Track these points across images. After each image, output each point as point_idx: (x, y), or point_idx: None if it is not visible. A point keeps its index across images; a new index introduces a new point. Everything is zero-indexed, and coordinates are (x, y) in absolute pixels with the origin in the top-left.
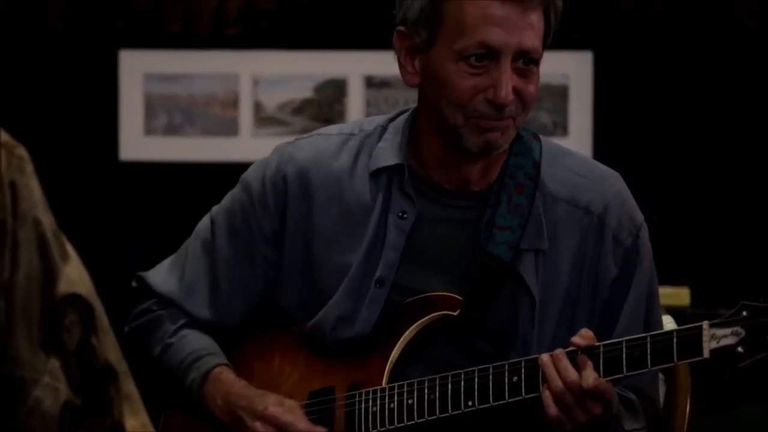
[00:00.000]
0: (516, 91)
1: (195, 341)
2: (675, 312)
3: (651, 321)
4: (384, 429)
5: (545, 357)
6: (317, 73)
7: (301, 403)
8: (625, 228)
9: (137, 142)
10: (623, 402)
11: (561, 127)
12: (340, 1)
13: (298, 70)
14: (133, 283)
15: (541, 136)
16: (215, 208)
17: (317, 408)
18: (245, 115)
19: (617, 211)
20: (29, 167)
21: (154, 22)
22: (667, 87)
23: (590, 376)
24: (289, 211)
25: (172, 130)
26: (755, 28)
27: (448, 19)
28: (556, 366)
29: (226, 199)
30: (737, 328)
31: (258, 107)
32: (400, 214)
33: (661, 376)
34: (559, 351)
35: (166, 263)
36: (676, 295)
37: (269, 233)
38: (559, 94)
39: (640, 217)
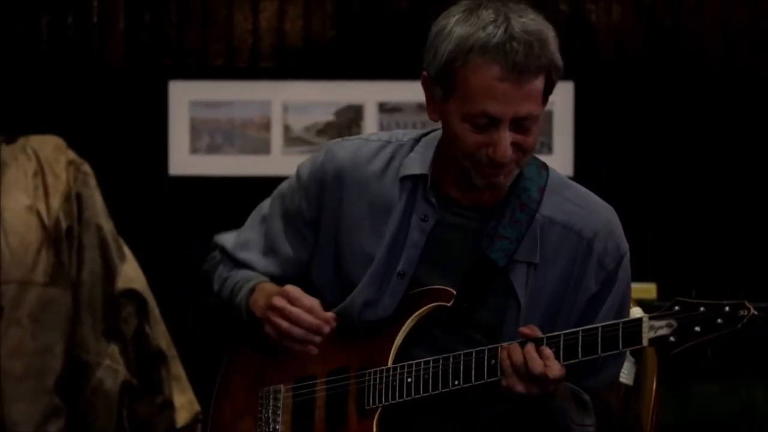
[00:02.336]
0: (515, 143)
1: (244, 273)
2: (643, 304)
3: None
4: (387, 403)
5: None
6: (338, 100)
7: (322, 379)
8: (610, 255)
9: (184, 160)
10: (576, 399)
11: (547, 147)
12: (357, 39)
13: (322, 97)
14: (213, 241)
15: (549, 167)
16: (276, 191)
17: (335, 384)
18: (276, 136)
19: (605, 239)
20: (93, 181)
21: (199, 57)
22: (637, 112)
23: (556, 367)
24: (325, 200)
25: (213, 149)
26: (719, 58)
27: (457, 85)
28: (524, 356)
29: (284, 184)
30: (671, 321)
31: (287, 129)
32: (423, 217)
33: (631, 358)
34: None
35: (233, 233)
36: (645, 289)
37: (309, 217)
38: (545, 118)
39: (625, 246)
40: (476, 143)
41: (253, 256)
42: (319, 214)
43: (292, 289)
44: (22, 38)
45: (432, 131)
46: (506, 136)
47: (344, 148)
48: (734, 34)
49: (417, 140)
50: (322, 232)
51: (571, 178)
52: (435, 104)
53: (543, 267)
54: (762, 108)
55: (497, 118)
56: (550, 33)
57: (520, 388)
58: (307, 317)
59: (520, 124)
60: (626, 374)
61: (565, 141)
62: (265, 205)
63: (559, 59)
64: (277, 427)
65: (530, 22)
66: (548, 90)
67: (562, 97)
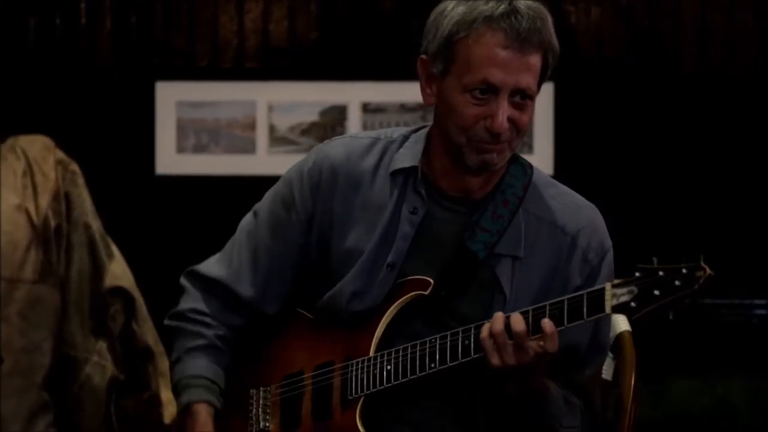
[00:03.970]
0: (511, 120)
1: (198, 366)
2: None
3: (600, 325)
4: (369, 391)
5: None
6: (322, 100)
7: (309, 374)
8: (594, 250)
9: (170, 159)
10: (566, 403)
11: (527, 146)
12: (341, 40)
13: (306, 97)
14: (181, 278)
15: (534, 167)
16: (258, 204)
17: (320, 378)
18: (261, 136)
19: (589, 235)
20: (81, 180)
21: (186, 58)
22: (616, 113)
23: (521, 322)
24: (319, 198)
25: (200, 148)
26: (697, 59)
27: (459, 56)
28: (504, 322)
29: (268, 195)
30: (632, 287)
31: (272, 129)
32: (412, 209)
33: (610, 353)
34: (499, 314)
35: (214, 256)
36: None
37: (303, 219)
38: None
39: (608, 243)
40: (475, 115)
41: (246, 287)
42: (312, 214)
43: None
44: (9, 39)
45: (421, 127)
46: (505, 106)
47: (335, 147)
48: (711, 36)
49: (406, 136)
50: (314, 233)
51: (551, 178)
52: (432, 83)
53: (528, 261)
54: (739, 108)
55: (498, 86)
56: (549, 16)
57: (496, 360)
58: None
59: (518, 99)
60: (605, 369)
61: (546, 141)
62: (248, 221)
63: (556, 43)
64: (267, 424)
65: (532, 2)
66: (544, 73)
67: (543, 98)
